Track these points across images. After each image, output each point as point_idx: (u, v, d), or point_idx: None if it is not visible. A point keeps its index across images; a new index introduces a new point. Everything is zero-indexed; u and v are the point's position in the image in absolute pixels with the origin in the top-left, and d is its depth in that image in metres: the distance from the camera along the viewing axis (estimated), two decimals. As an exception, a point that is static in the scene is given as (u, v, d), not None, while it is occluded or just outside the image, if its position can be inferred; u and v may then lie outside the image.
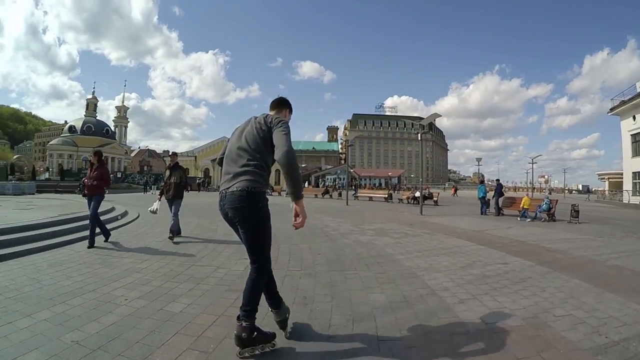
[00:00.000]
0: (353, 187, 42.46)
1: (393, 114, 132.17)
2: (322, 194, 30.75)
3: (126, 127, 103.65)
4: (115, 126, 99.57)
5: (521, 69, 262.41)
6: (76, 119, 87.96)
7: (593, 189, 72.61)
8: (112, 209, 11.89)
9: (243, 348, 2.54)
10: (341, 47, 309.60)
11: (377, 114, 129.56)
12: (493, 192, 16.11)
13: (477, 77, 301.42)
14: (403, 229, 9.73)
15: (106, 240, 6.87)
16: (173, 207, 7.67)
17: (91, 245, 6.33)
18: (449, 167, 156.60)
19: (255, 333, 2.57)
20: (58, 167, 52.77)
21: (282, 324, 2.90)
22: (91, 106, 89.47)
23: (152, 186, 31.32)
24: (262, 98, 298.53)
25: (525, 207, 13.82)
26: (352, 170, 75.31)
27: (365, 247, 6.97)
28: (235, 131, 2.89)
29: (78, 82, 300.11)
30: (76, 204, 12.58)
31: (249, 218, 2.60)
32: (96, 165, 6.89)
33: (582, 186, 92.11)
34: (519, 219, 13.50)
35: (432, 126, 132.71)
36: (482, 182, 17.18)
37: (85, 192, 6.86)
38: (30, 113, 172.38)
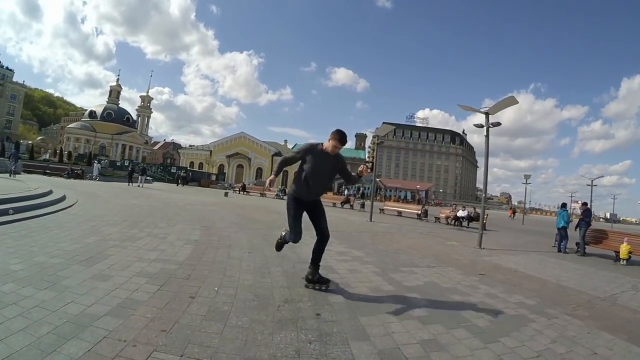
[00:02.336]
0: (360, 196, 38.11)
1: (424, 125, 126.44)
2: (342, 202, 26.17)
3: (149, 117, 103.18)
4: (138, 115, 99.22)
5: (557, 88, 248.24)
6: (97, 105, 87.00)
7: (621, 218, 65.77)
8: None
9: (309, 283, 4.33)
10: (377, 56, 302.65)
11: (408, 124, 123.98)
12: (578, 220, 11.40)
13: (512, 95, 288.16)
14: (471, 284, 5.37)
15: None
16: None
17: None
18: (476, 185, 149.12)
19: (317, 276, 4.35)
20: (59, 150, 50.07)
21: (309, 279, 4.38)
22: (114, 93, 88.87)
23: (140, 177, 26.16)
24: (294, 102, 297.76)
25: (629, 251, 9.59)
26: (378, 180, 70.61)
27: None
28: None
29: (113, 73, 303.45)
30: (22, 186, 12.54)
31: None
32: None
33: (610, 214, 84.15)
34: (622, 262, 9.53)
35: (463, 140, 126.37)
36: (564, 206, 12.27)
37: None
38: (62, 98, 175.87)
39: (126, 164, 53.25)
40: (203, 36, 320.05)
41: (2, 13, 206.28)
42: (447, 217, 18.54)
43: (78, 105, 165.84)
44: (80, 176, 29.31)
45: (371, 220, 15.29)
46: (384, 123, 13.81)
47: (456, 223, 17.72)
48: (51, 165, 32.81)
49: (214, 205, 16.35)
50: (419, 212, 20.48)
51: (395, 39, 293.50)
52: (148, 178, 30.47)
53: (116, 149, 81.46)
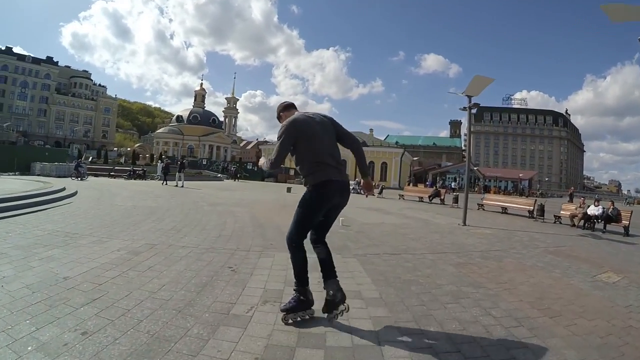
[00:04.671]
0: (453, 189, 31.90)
1: (522, 106, 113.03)
2: (429, 196, 21.45)
3: (236, 117, 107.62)
4: (225, 117, 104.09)
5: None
6: (184, 110, 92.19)
7: None
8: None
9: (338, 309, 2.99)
10: (468, 39, 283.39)
11: (505, 107, 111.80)
12: None
13: (615, 68, 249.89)
14: None
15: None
16: None
17: None
18: (583, 173, 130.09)
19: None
20: (132, 153, 51.99)
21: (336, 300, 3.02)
22: (199, 97, 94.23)
23: (178, 174, 22.59)
24: (385, 94, 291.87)
25: None
26: (475, 169, 63.22)
27: None
28: (312, 122, 3.10)
29: (206, 81, 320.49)
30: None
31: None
32: None
33: None
34: None
35: (566, 122, 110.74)
36: None
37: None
38: (160, 108, 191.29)
39: (204, 162, 54.00)
40: (288, 37, 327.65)
41: (96, 39, 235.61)
42: (573, 217, 12.95)
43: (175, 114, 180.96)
44: (141, 177, 28.79)
45: (465, 224, 10.70)
46: (476, 76, 8.94)
47: (587, 225, 12.29)
48: (116, 168, 33.89)
49: (250, 205, 13.13)
50: (531, 208, 15.09)
51: (486, 18, 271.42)
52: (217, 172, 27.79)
53: (203, 149, 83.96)
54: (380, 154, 57.68)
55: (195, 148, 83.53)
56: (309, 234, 3.18)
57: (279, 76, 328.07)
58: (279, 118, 3.40)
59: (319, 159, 3.02)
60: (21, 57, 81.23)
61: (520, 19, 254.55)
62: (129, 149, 76.50)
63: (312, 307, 3.18)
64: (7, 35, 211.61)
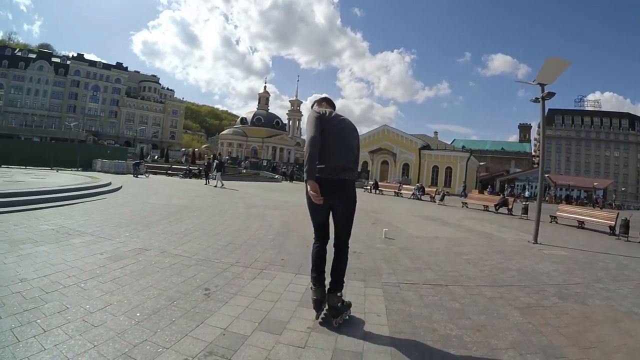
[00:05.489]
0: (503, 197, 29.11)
1: (596, 108, 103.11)
2: (495, 205, 19.24)
3: (299, 120, 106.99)
4: (289, 119, 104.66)
5: None
6: (248, 112, 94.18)
7: None
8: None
9: (337, 317, 3.06)
10: (536, 38, 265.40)
11: (577, 109, 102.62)
12: None
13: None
14: None
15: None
16: None
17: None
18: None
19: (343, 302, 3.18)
20: (191, 153, 53.06)
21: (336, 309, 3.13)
22: (262, 100, 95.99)
23: (216, 174, 21.55)
24: (452, 96, 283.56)
25: None
26: (547, 176, 58.48)
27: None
28: (339, 123, 3.15)
29: (272, 84, 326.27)
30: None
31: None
32: None
33: None
34: None
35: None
36: None
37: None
38: (227, 111, 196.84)
39: (264, 164, 54.99)
40: (352, 40, 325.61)
41: (165, 46, 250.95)
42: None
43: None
44: (197, 176, 29.27)
45: (536, 241, 8.91)
46: (549, 59, 7.14)
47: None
48: (173, 167, 34.98)
49: (290, 209, 12.12)
50: (613, 223, 12.68)
51: (556, 14, 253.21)
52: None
53: (267, 151, 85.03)
54: (444, 159, 55.20)
55: (259, 149, 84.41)
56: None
57: (343, 79, 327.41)
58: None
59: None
60: (92, 63, 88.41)
61: (592, 14, 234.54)
62: (196, 149, 79.71)
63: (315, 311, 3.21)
64: (82, 44, 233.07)
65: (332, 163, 2.95)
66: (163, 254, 4.92)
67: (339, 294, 3.12)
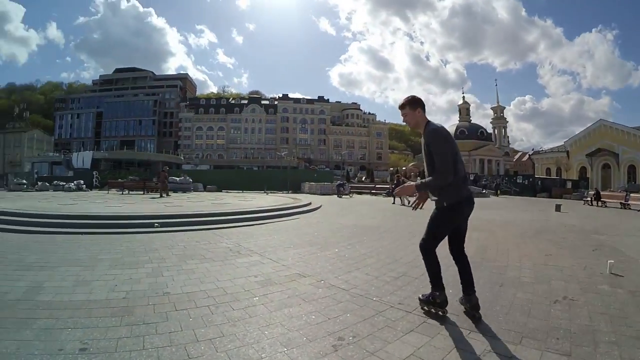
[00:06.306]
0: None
1: None
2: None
3: (505, 127, 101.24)
4: (494, 128, 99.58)
5: None
6: (450, 125, 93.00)
7: None
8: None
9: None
10: None
11: None
12: None
13: None
14: None
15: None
16: None
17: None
18: None
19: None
20: (395, 172, 53.29)
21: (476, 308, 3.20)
22: (463, 111, 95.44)
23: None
24: None
25: None
26: None
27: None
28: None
29: (471, 94, 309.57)
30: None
31: None
32: None
33: None
34: None
35: None
36: None
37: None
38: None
39: (471, 177, 52.06)
40: (543, 28, 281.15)
41: (360, 75, 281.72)
42: None
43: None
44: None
45: None
46: None
47: None
48: (377, 186, 35.93)
49: (490, 229, 9.42)
50: None
51: None
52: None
53: (474, 164, 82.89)
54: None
55: (466, 163, 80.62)
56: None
57: (545, 76, 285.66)
58: (403, 107, 3.25)
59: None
60: (297, 100, 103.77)
61: None
62: (404, 168, 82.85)
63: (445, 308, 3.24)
64: (285, 86, 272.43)
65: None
66: (318, 283, 4.25)
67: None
